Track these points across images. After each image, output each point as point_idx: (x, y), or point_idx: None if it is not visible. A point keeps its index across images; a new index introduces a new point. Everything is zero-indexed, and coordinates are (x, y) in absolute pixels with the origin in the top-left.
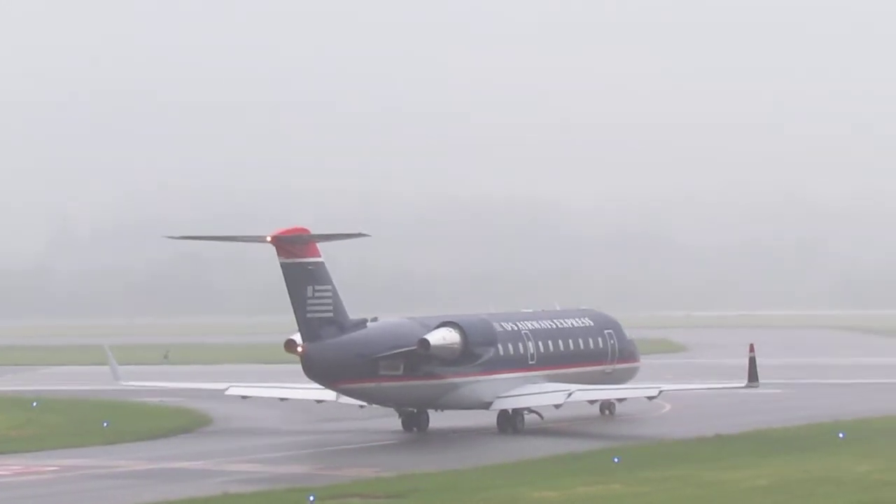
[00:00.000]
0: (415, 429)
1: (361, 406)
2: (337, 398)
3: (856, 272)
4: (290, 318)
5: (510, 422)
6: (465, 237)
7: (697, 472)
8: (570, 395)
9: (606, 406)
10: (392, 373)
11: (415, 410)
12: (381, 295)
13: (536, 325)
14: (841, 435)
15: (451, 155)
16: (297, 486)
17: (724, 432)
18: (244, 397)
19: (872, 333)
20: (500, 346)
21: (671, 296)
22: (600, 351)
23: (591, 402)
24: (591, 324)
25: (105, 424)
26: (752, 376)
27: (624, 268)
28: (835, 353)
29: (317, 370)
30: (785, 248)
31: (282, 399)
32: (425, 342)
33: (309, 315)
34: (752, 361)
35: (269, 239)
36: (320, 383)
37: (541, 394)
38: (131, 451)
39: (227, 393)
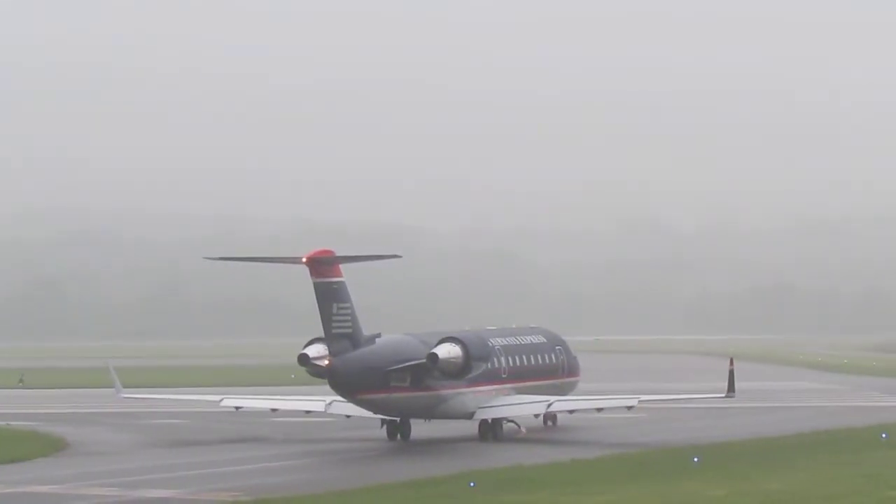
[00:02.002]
0: (398, 436)
1: (348, 416)
2: (326, 409)
3: (711, 296)
4: (140, 343)
5: (491, 430)
6: None
7: (553, 497)
8: (549, 405)
9: (549, 417)
10: (401, 384)
11: (398, 420)
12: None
13: (505, 342)
14: (696, 459)
15: (314, 183)
16: None
17: (580, 457)
18: (237, 408)
19: (726, 358)
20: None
21: (527, 317)
22: (554, 365)
23: (570, 412)
24: (545, 340)
25: None
26: (731, 388)
27: (481, 288)
28: (690, 379)
29: (341, 382)
30: (642, 272)
31: (273, 410)
32: (434, 356)
33: (334, 331)
34: (731, 374)
35: (304, 260)
36: (341, 395)
37: (522, 404)
38: None
39: (221, 404)
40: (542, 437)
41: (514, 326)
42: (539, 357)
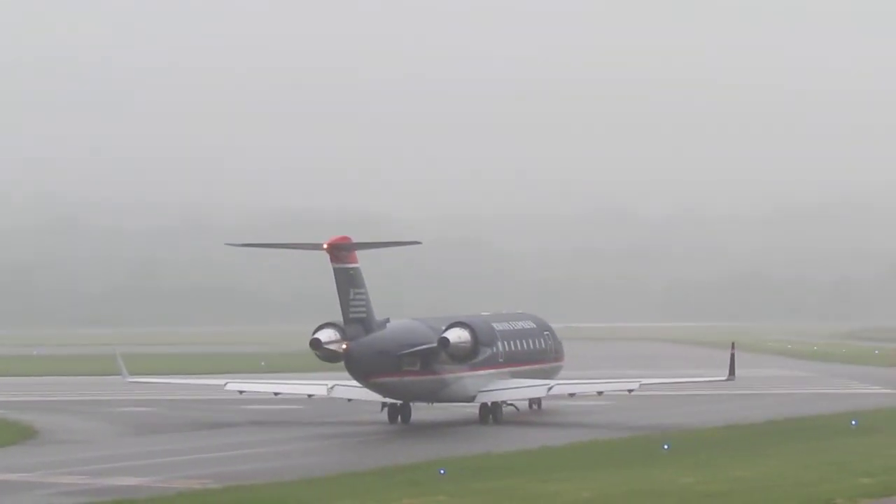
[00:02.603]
0: (399, 419)
1: (349, 400)
2: (329, 392)
3: (681, 284)
4: (111, 330)
5: (491, 412)
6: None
7: (522, 484)
8: (550, 388)
9: (535, 401)
10: (411, 368)
11: (398, 403)
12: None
13: (501, 327)
14: (665, 447)
15: (284, 170)
16: (122, 498)
17: (550, 444)
18: (241, 392)
19: (699, 345)
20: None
21: (498, 304)
22: (544, 350)
23: (571, 395)
24: (534, 326)
25: None
26: (731, 371)
27: (452, 275)
28: (661, 365)
29: (356, 366)
30: (613, 260)
31: (276, 394)
32: (445, 340)
33: (351, 315)
34: (732, 358)
35: (325, 246)
36: (356, 378)
37: (522, 388)
38: None
39: (225, 388)
40: (513, 423)
41: (504, 312)
42: (531, 342)
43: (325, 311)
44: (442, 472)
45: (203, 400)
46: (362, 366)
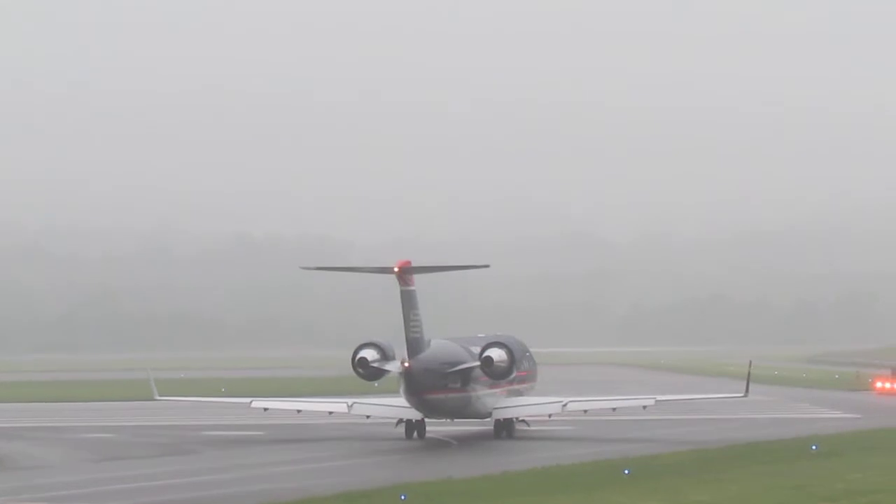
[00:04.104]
0: (415, 434)
1: (367, 417)
2: (349, 409)
3: (642, 309)
4: (67, 356)
5: (504, 428)
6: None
7: None
8: (564, 405)
9: (522, 419)
10: (454, 386)
11: (413, 420)
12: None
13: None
14: (626, 472)
15: (243, 196)
16: None
17: (512, 469)
18: (265, 409)
19: (657, 370)
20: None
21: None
22: (529, 370)
23: (585, 411)
24: (519, 348)
25: None
26: (747, 388)
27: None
28: (622, 391)
29: (414, 383)
30: (575, 284)
31: (298, 411)
32: (490, 359)
33: (411, 335)
34: (749, 376)
35: (396, 269)
36: (411, 394)
37: (536, 405)
38: None
39: (251, 406)
40: (474, 447)
41: (497, 333)
42: (523, 363)
43: (287, 335)
44: (403, 497)
45: (165, 426)
46: (419, 382)
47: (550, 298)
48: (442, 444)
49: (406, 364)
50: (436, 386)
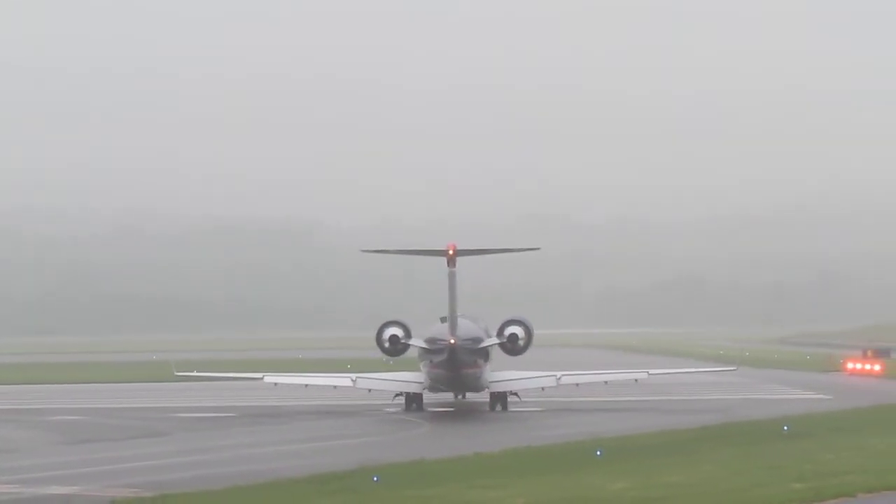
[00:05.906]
0: (414, 405)
1: (370, 391)
2: (354, 384)
3: (616, 290)
4: (38, 339)
5: (498, 401)
6: (231, 256)
7: (456, 491)
8: (558, 379)
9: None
10: (480, 361)
11: (412, 393)
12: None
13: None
14: (598, 453)
15: (224, 177)
16: None
17: (484, 450)
18: (276, 384)
19: (631, 351)
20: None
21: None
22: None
23: (577, 384)
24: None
25: None
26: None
27: (387, 283)
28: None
29: (456, 359)
30: (550, 266)
31: (306, 385)
32: (515, 336)
33: (454, 314)
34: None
35: (451, 252)
36: (451, 370)
37: (531, 378)
38: None
39: (264, 381)
40: (447, 427)
41: (465, 312)
42: None
43: (263, 316)
44: (376, 479)
45: (138, 408)
46: (460, 358)
47: (526, 280)
48: (416, 425)
49: (453, 341)
50: (468, 362)
